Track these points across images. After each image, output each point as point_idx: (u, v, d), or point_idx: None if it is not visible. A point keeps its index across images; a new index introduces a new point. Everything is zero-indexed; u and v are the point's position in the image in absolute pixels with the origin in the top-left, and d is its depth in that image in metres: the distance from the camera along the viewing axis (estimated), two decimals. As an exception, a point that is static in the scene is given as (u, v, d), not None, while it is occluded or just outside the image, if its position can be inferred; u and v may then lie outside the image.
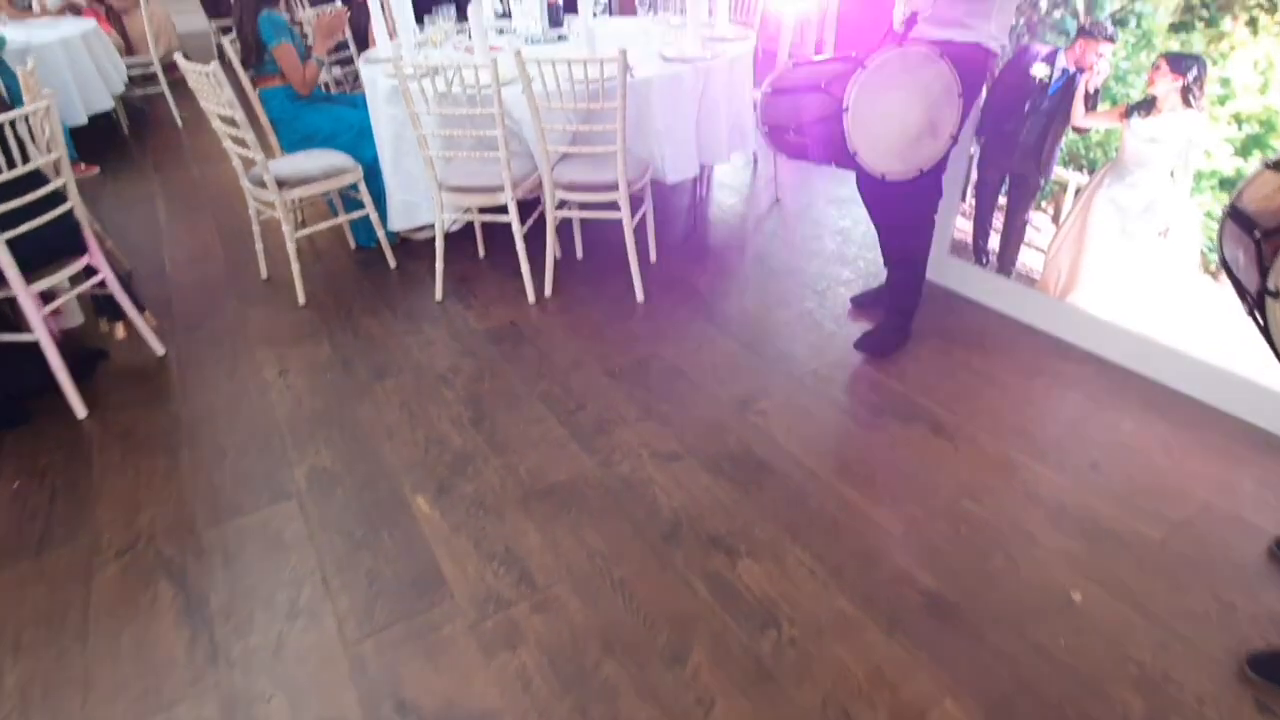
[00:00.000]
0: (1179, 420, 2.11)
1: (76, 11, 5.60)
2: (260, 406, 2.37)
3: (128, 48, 5.79)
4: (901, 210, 2.30)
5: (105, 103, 4.93)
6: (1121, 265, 2.29)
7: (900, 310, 2.49)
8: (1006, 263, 2.61)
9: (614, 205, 2.72)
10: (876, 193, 2.42)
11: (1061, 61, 2.27)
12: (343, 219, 3.20)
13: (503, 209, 2.74)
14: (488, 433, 2.19)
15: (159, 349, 2.63)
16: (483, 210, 3.04)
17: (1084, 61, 2.21)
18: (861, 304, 2.76)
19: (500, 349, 2.61)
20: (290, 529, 1.88)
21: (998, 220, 2.61)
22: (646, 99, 2.84)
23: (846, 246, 3.22)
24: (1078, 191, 2.35)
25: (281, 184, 2.80)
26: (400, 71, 2.46)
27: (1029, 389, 2.29)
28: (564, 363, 2.52)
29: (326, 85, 4.14)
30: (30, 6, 5.55)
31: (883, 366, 2.42)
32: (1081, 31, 2.20)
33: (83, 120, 4.70)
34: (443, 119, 2.68)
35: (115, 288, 2.46)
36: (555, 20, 3.73)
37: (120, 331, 2.62)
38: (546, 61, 2.42)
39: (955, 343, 2.52)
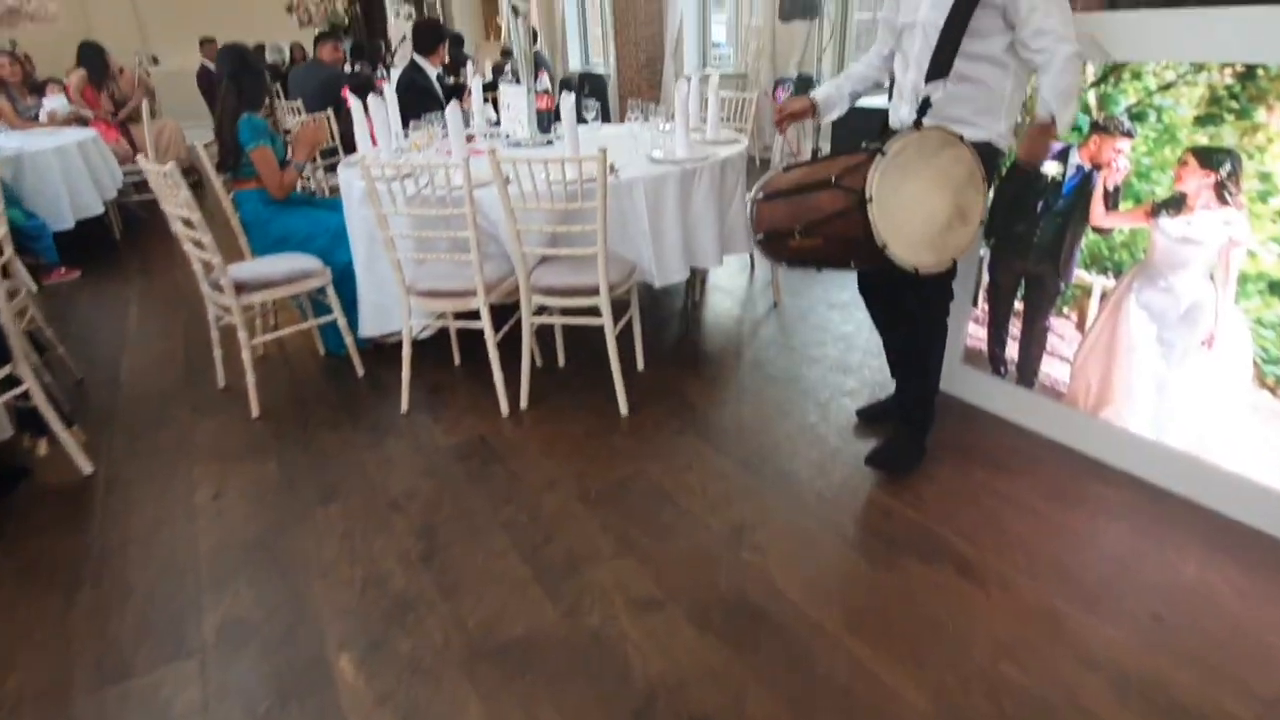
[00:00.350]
0: (1251, 561, 1.79)
1: (84, 122, 5.71)
2: (184, 536, 2.07)
3: (132, 155, 5.85)
4: (913, 313, 2.07)
5: (96, 208, 4.91)
6: (1161, 377, 2.03)
7: (914, 423, 2.22)
8: (1028, 373, 2.36)
9: (596, 311, 2.51)
10: (886, 294, 2.21)
11: (1075, 158, 2.10)
12: (311, 324, 3.01)
13: (476, 315, 2.54)
14: (437, 571, 1.88)
15: (86, 467, 2.37)
16: (458, 316, 2.84)
17: (1101, 158, 2.04)
18: (869, 417, 2.49)
19: (466, 467, 2.33)
20: (183, 698, 1.55)
21: (1015, 327, 2.38)
22: (631, 200, 2.69)
23: (850, 353, 2.98)
24: (1104, 296, 2.13)
25: (240, 288, 2.61)
26: (367, 171, 2.31)
27: (1066, 519, 1.98)
28: (535, 484, 2.23)
29: (312, 190, 4.08)
30: (37, 117, 5.65)
31: (895, 490, 2.12)
32: (1095, 127, 2.03)
33: (69, 225, 4.67)
34: (415, 220, 2.52)
35: (39, 400, 2.23)
36: (544, 126, 3.67)
37: (43, 448, 2.37)
38: (523, 161, 2.28)
39: (975, 462, 2.23)
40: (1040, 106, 1.82)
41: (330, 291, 2.83)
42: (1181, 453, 2.01)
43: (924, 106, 1.80)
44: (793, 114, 2.31)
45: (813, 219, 1.88)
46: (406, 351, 2.62)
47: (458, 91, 4.28)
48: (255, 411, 2.70)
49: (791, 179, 2.01)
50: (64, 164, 4.65)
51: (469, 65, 5.44)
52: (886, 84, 2.24)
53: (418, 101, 3.96)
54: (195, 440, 2.57)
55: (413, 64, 4.08)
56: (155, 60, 9.43)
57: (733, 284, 3.84)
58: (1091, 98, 2.03)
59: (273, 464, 2.40)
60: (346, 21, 7.22)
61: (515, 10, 3.19)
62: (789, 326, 3.28)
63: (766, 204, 2.07)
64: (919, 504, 2.05)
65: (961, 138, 1.76)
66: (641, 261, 2.78)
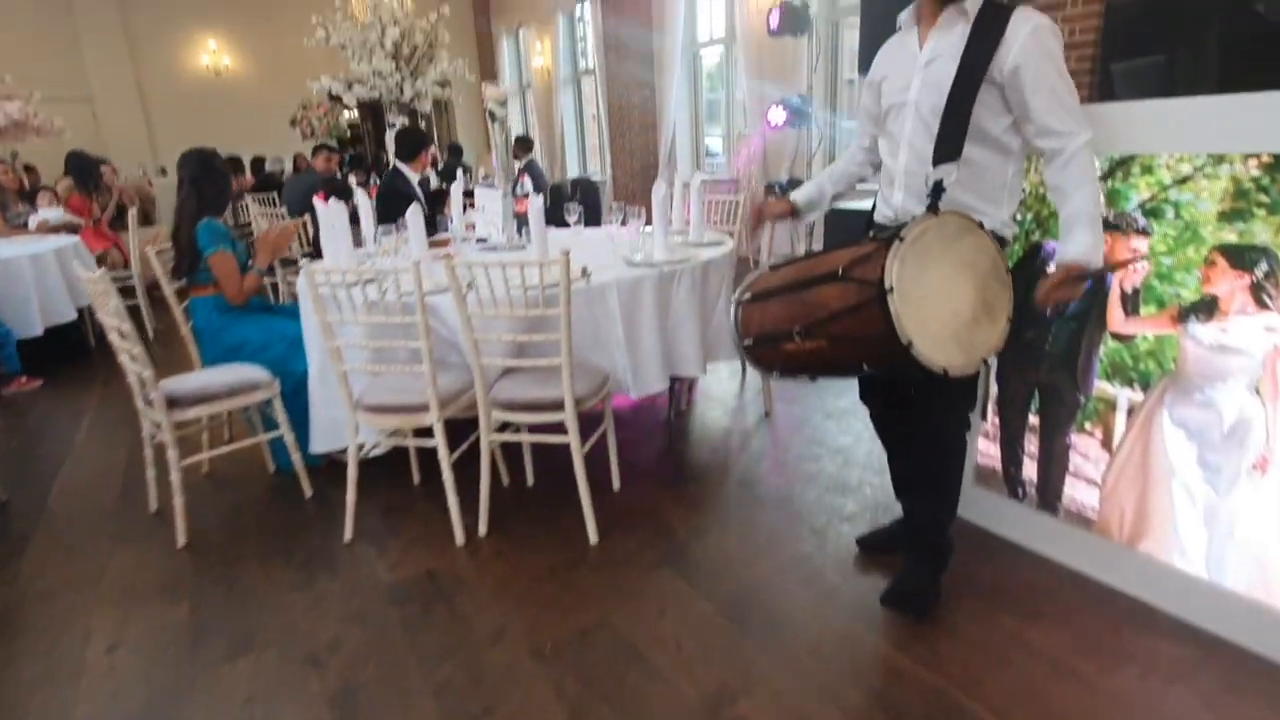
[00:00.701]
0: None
1: (73, 229, 5.68)
2: (58, 704, 1.74)
3: (125, 263, 5.79)
4: (930, 425, 1.80)
5: (69, 314, 4.78)
6: (1209, 506, 1.74)
7: (927, 555, 1.92)
8: (1050, 497, 2.07)
9: (563, 427, 2.25)
10: (896, 403, 1.95)
11: (1085, 258, 1.89)
12: (261, 439, 2.76)
13: (431, 431, 2.29)
14: (348, 755, 1.54)
15: (-30, 612, 2.06)
16: (417, 433, 2.59)
17: (1115, 258, 1.83)
18: (871, 547, 2.18)
19: (404, 612, 2.01)
20: None
21: (1031, 443, 2.11)
22: (605, 305, 2.49)
23: (848, 469, 2.70)
24: (1131, 410, 1.87)
25: (174, 403, 2.38)
26: (310, 276, 2.12)
27: (1113, 683, 1.64)
28: (483, 633, 1.91)
29: (271, 300, 3.93)
30: (26, 225, 5.63)
31: (906, 642, 1.79)
32: (1106, 225, 1.84)
33: (37, 332, 4.52)
34: (367, 329, 2.32)
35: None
36: (522, 230, 3.55)
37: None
38: (479, 264, 2.09)
39: (1000, 605, 1.91)
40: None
41: (277, 404, 2.60)
42: (1242, 596, 1.70)
43: (937, 190, 1.60)
44: (771, 216, 2.14)
45: (817, 317, 1.65)
46: (352, 474, 2.35)
47: (441, 197, 4.21)
48: (181, 540, 2.41)
49: (784, 277, 1.79)
50: (38, 271, 4.55)
51: (461, 172, 5.46)
52: (869, 179, 2.08)
53: (398, 207, 3.87)
54: (107, 576, 2.27)
55: (394, 170, 4.03)
56: (163, 171, 9.67)
57: (722, 390, 3.61)
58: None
59: (185, 606, 2.08)
60: (349, 135, 7.36)
61: (492, 115, 3.11)
62: (782, 439, 3.01)
63: (755, 305, 1.85)
64: (936, 662, 1.72)
65: (981, 225, 1.57)
66: (616, 371, 2.55)
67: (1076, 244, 1.56)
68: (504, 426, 2.40)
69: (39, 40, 9.11)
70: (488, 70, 12.14)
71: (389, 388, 2.33)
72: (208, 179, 2.87)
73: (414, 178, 4.03)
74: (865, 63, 4.47)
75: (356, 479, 2.36)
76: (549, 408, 2.24)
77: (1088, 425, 1.97)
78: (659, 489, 2.64)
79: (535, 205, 2.49)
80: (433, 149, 4.18)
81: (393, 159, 4.07)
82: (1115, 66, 3.10)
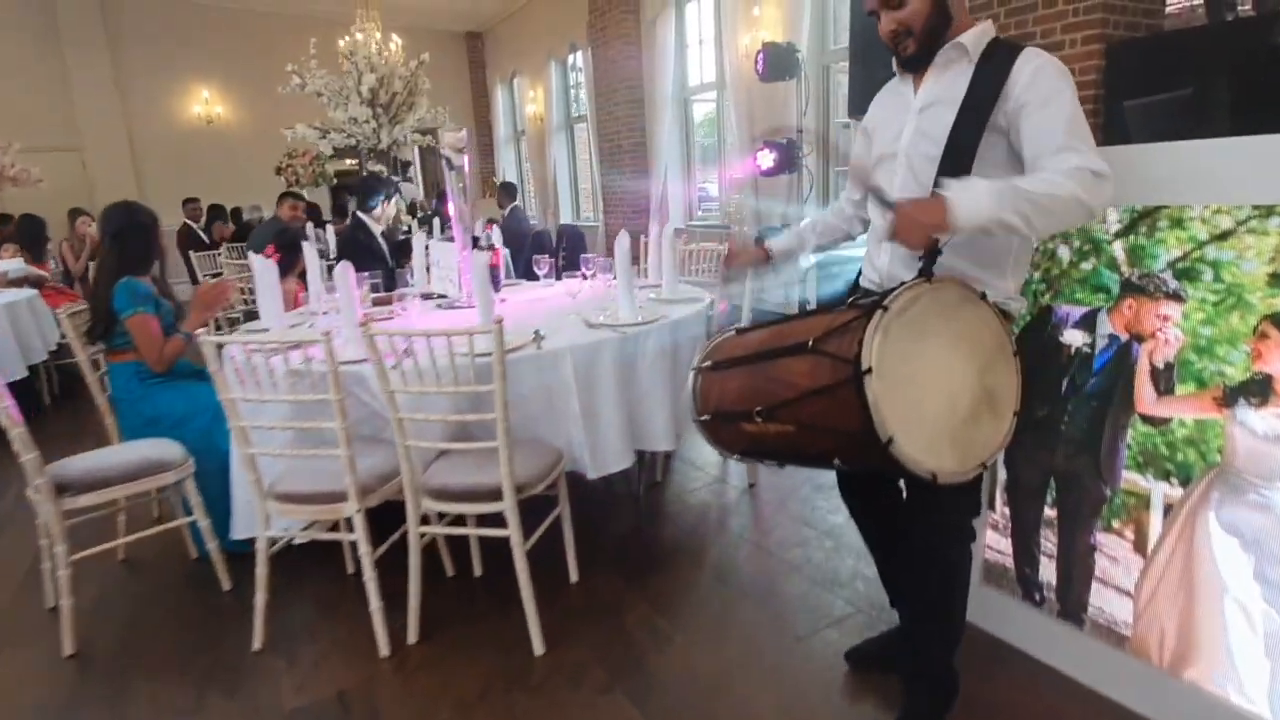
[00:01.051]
0: None
1: (36, 284, 5.46)
2: None
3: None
4: (923, 537, 1.49)
5: (19, 371, 4.53)
6: (1270, 631, 1.42)
7: (927, 690, 1.59)
8: (1073, 605, 1.74)
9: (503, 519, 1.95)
10: (881, 504, 1.66)
11: (1106, 326, 1.61)
12: (179, 523, 2.45)
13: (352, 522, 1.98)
14: None
15: None
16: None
17: (1141, 326, 1.54)
18: (864, 660, 1.85)
19: (302, 750, 1.68)
20: None
21: (1048, 540, 1.79)
22: (558, 374, 2.20)
23: (839, 556, 2.37)
24: (1169, 509, 1.56)
25: (63, 489, 2.09)
26: (203, 346, 1.85)
27: None
28: (391, 781, 1.58)
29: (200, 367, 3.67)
30: (-16, 278, 5.42)
31: (903, 800, 1.45)
32: (1129, 287, 1.56)
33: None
34: (292, 407, 2.03)
35: None
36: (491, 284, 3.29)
37: None
38: (400, 335, 1.81)
39: (1017, 743, 1.57)
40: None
41: (190, 486, 2.31)
42: (1321, 748, 1.36)
43: (933, 252, 1.32)
44: (742, 263, 1.88)
45: (782, 397, 1.36)
46: (261, 573, 2.03)
47: (407, 249, 3.98)
48: (69, 648, 2.09)
49: (751, 343, 1.51)
50: (-15, 325, 4.33)
51: (438, 221, 5.25)
52: (856, 236, 1.81)
53: (357, 260, 3.63)
54: (-26, 693, 1.95)
55: (355, 220, 3.80)
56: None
57: (703, 456, 3.29)
58: (1119, 250, 1.56)
59: (48, 740, 1.76)
60: (335, 183, 7.21)
61: (449, 163, 2.88)
62: (765, 516, 2.69)
63: (716, 375, 1.57)
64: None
65: (984, 295, 1.28)
66: (572, 448, 2.25)
67: (971, 193, 1.21)
68: (443, 515, 2.10)
69: (32, 90, 9.08)
70: (482, 119, 12.13)
71: (307, 472, 2.03)
72: (132, 234, 2.63)
73: (377, 229, 3.79)
74: (855, 106, 4.28)
75: (268, 577, 2.04)
76: (486, 497, 1.93)
77: (1115, 523, 1.65)
78: (623, 581, 2.31)
79: (479, 262, 2.22)
80: (398, 199, 3.95)
81: (354, 209, 3.84)
82: (1129, 104, 2.86)
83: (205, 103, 10.10)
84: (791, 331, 1.41)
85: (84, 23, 9.21)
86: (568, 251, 5.96)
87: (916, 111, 1.43)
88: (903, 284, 1.25)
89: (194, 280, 7.07)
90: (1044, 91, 1.26)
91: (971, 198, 1.21)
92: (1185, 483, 1.52)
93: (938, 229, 1.23)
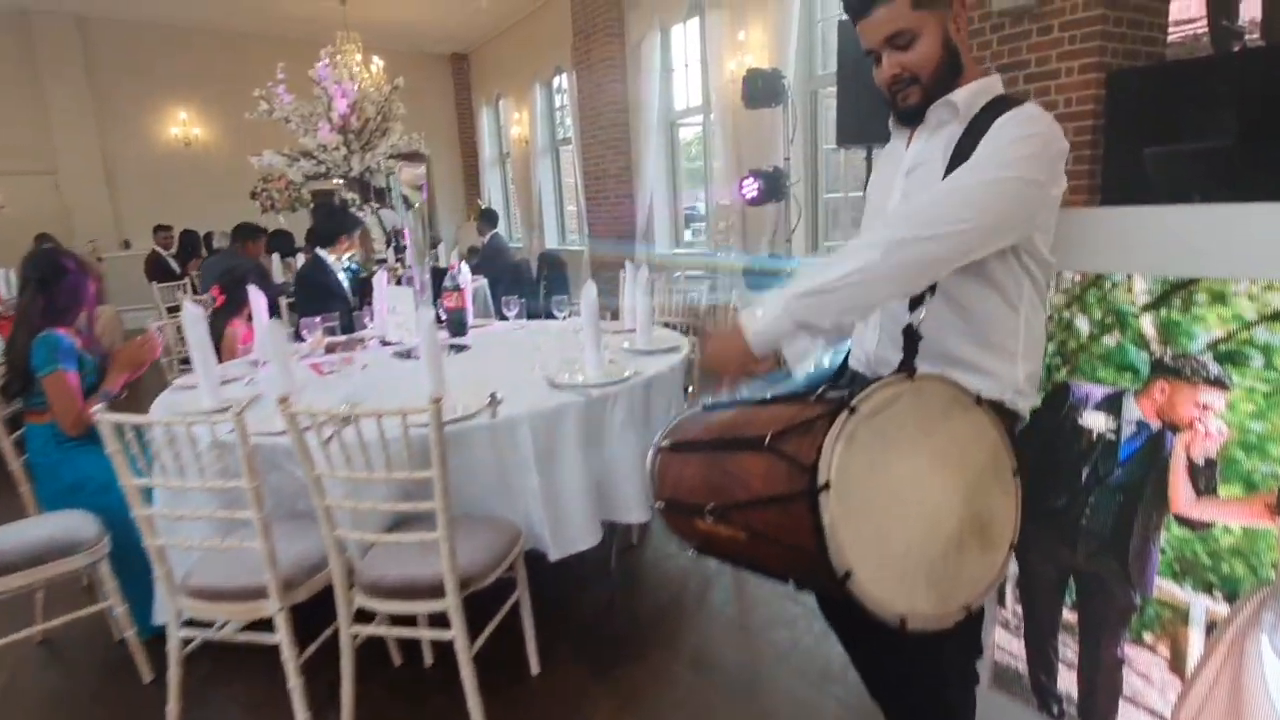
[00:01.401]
0: None
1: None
2: None
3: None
4: (915, 681, 1.27)
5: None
6: (1341, 785, 1.19)
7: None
8: (1097, 725, 1.52)
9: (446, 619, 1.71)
10: (873, 628, 1.42)
11: (1134, 411, 1.39)
12: (99, 608, 2.20)
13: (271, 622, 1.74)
14: None
15: None
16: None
17: (1176, 415, 1.33)
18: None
19: None
20: None
21: (1068, 647, 1.57)
22: (514, 445, 1.97)
23: (828, 643, 2.12)
24: (1212, 626, 1.33)
25: (-51, 581, 1.84)
26: (101, 417, 1.61)
27: None
28: None
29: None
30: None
31: None
32: (1161, 368, 1.34)
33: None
34: (192, 487, 1.79)
35: None
36: (457, 329, 3.08)
37: None
38: (315, 415, 1.58)
39: None
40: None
41: (104, 569, 2.06)
42: None
43: (912, 337, 1.12)
44: (750, 374, 1.62)
45: (735, 498, 1.14)
46: (174, 674, 1.79)
47: (369, 286, 3.75)
48: (-44, 758, 1.84)
49: (713, 426, 1.29)
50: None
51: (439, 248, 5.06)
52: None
53: (315, 300, 3.41)
54: None
55: (314, 258, 3.57)
56: (127, 244, 9.31)
57: (685, 515, 3.06)
58: (1149, 325, 1.35)
59: None
60: (311, 205, 6.98)
61: (407, 202, 2.66)
62: (749, 593, 2.45)
63: (674, 457, 1.34)
64: None
65: (979, 399, 1.07)
66: (531, 526, 2.01)
67: (764, 305, 1.13)
68: (371, 616, 1.86)
69: (6, 114, 8.86)
70: (467, 141, 11.97)
71: (223, 562, 1.79)
72: (58, 285, 2.40)
73: (338, 266, 3.57)
74: (844, 133, 4.09)
75: (181, 680, 1.80)
76: (427, 593, 1.69)
77: (1148, 636, 1.43)
78: (588, 672, 2.07)
79: (424, 320, 2.00)
80: (358, 233, 3.74)
81: (314, 246, 3.62)
82: (1151, 151, 2.65)
83: (183, 124, 9.89)
84: (753, 420, 1.18)
85: (60, 42, 9.01)
86: (548, 282, 5.75)
87: (904, 174, 1.23)
88: (878, 380, 1.03)
89: (161, 313, 6.83)
90: (986, 148, 1.08)
91: (762, 311, 1.10)
92: (1231, 598, 1.30)
93: (744, 355, 1.13)
